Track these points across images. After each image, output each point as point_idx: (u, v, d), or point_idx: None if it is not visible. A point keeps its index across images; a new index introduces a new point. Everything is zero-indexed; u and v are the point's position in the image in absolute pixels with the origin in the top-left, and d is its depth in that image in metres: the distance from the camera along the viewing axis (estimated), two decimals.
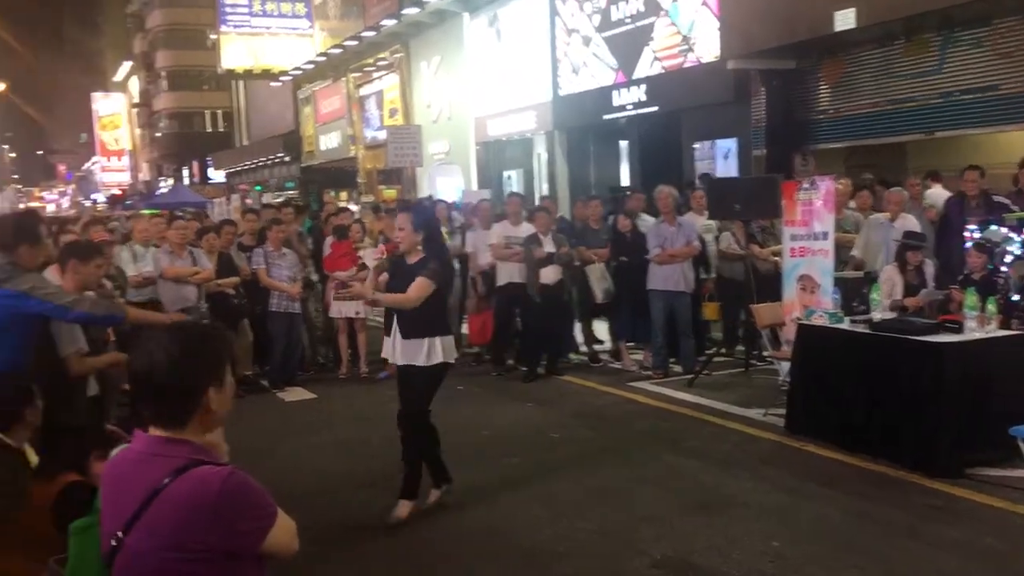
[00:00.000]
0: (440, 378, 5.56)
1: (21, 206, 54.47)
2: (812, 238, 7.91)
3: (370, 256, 9.80)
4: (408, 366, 5.45)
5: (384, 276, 5.65)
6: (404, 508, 5.43)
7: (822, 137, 13.61)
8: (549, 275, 9.17)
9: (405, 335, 5.42)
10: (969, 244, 7.71)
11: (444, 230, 10.56)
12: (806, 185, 8.08)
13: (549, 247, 9.16)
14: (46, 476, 3.45)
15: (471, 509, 5.63)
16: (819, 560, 4.62)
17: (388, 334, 5.71)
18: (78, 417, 4.71)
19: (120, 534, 2.04)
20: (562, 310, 9.51)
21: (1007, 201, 8.50)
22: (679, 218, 9.20)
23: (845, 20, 11.21)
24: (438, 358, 5.41)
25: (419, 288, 5.25)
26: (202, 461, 2.05)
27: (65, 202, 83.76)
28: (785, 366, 7.45)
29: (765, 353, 8.75)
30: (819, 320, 6.84)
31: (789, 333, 7.72)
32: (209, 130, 56.14)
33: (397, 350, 5.48)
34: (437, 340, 5.40)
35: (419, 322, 5.35)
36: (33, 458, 3.83)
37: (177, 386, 2.06)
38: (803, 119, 13.73)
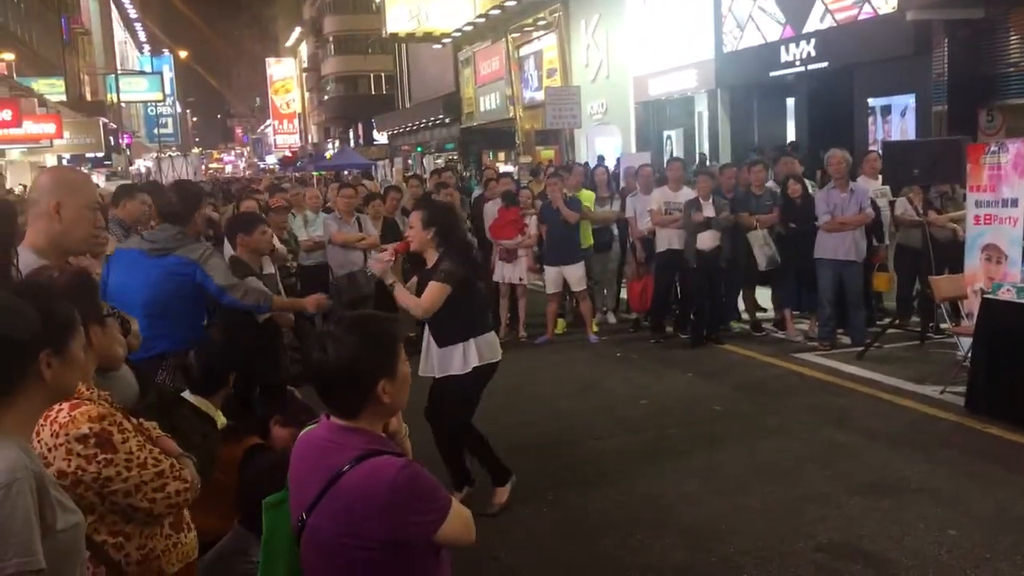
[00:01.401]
0: (481, 382, 5.19)
1: (203, 168, 57.98)
2: (1000, 205, 7.37)
3: (534, 224, 9.84)
4: (444, 377, 5.14)
5: (412, 281, 5.34)
6: (502, 494, 5.28)
7: (1012, 92, 12.62)
8: (706, 240, 8.97)
9: (439, 343, 5.12)
10: None
11: (602, 195, 10.54)
12: (993, 147, 7.51)
13: (709, 212, 8.95)
14: (233, 438, 3.69)
15: (632, 480, 5.62)
16: (1002, 552, 4.36)
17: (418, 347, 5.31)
18: (280, 373, 4.97)
19: (304, 515, 2.16)
20: (720, 276, 9.28)
21: None
22: (852, 183, 8.77)
23: None
24: (474, 362, 5.07)
25: (431, 294, 4.91)
26: (378, 451, 2.12)
27: (242, 163, 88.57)
28: (966, 341, 7.01)
29: (943, 326, 8.28)
30: (1007, 294, 6.39)
31: (971, 306, 7.26)
32: (373, 93, 57.81)
33: (433, 361, 5.17)
34: (472, 343, 5.07)
35: (452, 328, 5.05)
36: (221, 419, 4.10)
37: (348, 380, 2.14)
38: (990, 73, 12.77)
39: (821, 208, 8.60)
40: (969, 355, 6.73)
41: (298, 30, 72.94)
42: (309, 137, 74.77)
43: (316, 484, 2.12)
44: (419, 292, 5.06)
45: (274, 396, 4.00)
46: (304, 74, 73.89)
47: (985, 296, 6.67)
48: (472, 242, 7.09)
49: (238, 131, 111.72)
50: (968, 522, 4.72)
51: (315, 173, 35.07)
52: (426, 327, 5.22)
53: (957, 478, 5.34)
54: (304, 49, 73.07)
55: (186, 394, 4.01)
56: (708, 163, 16.01)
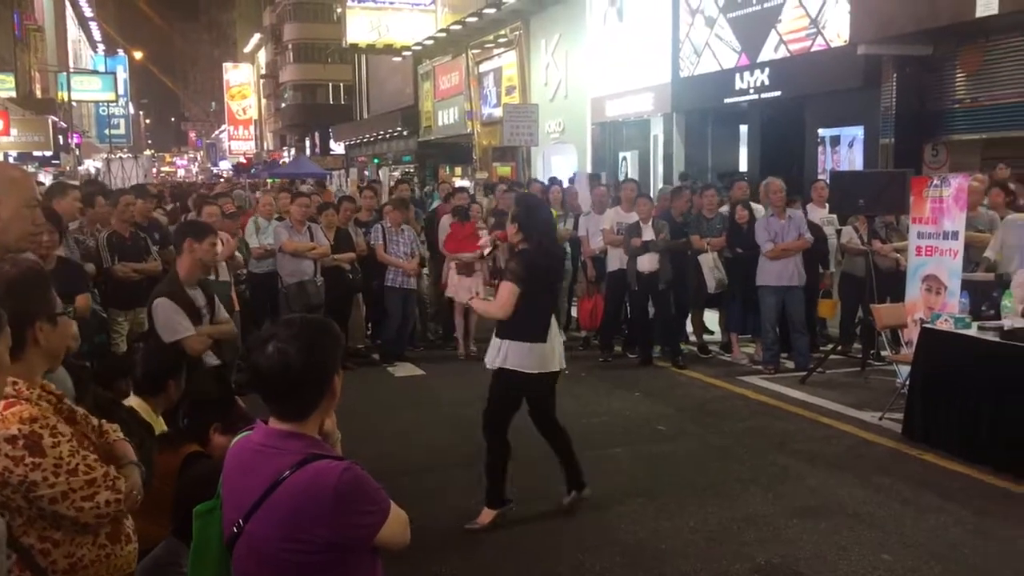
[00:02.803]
0: (506, 388, 5.20)
1: (154, 171, 57.00)
2: (941, 237, 7.57)
3: (486, 239, 9.88)
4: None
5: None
6: (487, 516, 5.25)
7: (956, 128, 12.96)
8: (645, 263, 9.07)
9: (496, 332, 5.25)
10: None
11: (556, 213, 10.60)
12: (936, 181, 7.72)
13: (648, 235, 9.05)
14: (171, 446, 3.63)
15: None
16: None
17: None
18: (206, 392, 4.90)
19: (241, 522, 2.14)
20: (660, 299, 9.31)
21: None
22: (788, 210, 8.93)
23: (988, 5, 10.62)
24: (499, 363, 5.12)
25: (501, 295, 5.04)
26: (319, 455, 2.12)
27: (195, 168, 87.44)
28: (904, 369, 7.17)
29: (883, 354, 8.45)
30: (945, 324, 6.55)
31: (910, 335, 7.43)
32: (331, 102, 57.54)
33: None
34: (507, 344, 5.08)
35: (504, 320, 5.10)
36: (161, 426, 4.03)
37: (312, 380, 2.15)
38: (936, 108, 13.10)
39: (762, 236, 8.75)
40: (907, 383, 6.88)
41: (257, 36, 72.40)
42: (264, 144, 74.12)
43: (254, 490, 2.11)
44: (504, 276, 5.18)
45: (210, 408, 3.93)
46: (262, 80, 73.32)
47: (924, 326, 6.82)
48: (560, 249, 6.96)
49: (192, 135, 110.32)
50: (901, 547, 4.81)
51: (269, 180, 34.73)
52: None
53: (892, 503, 5.44)
54: (263, 55, 72.53)
55: (131, 399, 3.95)
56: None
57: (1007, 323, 6.33)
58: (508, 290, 5.00)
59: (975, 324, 6.48)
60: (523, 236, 5.13)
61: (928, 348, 6.61)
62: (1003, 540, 4.87)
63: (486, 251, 5.78)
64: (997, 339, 6.08)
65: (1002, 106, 12.17)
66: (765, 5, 15.65)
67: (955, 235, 7.46)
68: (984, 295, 7.71)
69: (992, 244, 8.31)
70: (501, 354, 5.11)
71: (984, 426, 5.98)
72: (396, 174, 32.59)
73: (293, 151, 59.44)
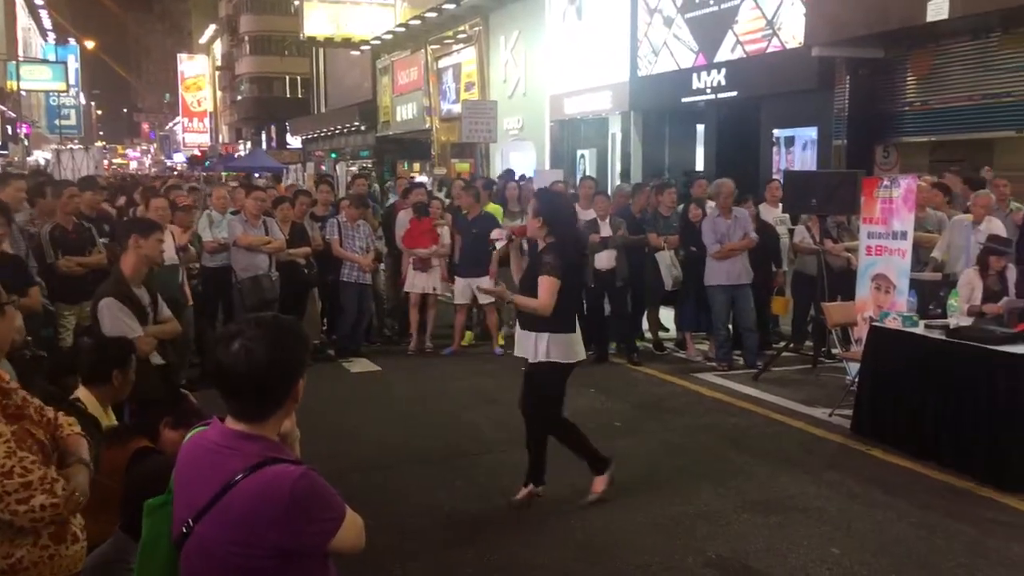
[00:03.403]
0: (554, 378, 5.27)
1: (106, 163, 56.06)
2: (890, 237, 7.71)
3: (446, 234, 9.89)
4: (527, 362, 5.33)
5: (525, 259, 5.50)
6: (600, 483, 5.42)
7: (907, 130, 13.21)
8: (603, 260, 9.11)
9: (521, 324, 5.34)
10: None
11: (515, 210, 10.63)
12: (886, 182, 7.86)
13: (605, 232, 9.09)
14: (119, 441, 3.56)
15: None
16: (879, 571, 4.54)
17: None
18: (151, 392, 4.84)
19: (191, 522, 2.09)
20: (616, 296, 9.37)
21: None
22: (735, 210, 9.02)
23: (938, 10, 10.83)
24: (542, 356, 5.17)
25: (545, 290, 5.04)
26: (276, 459, 2.08)
27: (147, 160, 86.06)
28: (854, 367, 7.29)
29: (834, 351, 8.59)
30: (893, 323, 6.67)
31: (860, 333, 7.55)
32: (288, 96, 56.96)
33: (517, 341, 5.40)
34: (545, 337, 5.14)
35: (532, 315, 5.15)
36: (110, 420, 3.96)
37: (277, 381, 2.09)
38: (888, 110, 13.34)
39: (709, 237, 8.84)
40: (856, 380, 7.00)
41: (212, 27, 71.41)
42: (220, 137, 73.18)
43: (207, 491, 2.06)
44: (526, 278, 5.23)
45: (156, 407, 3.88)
46: (217, 72, 72.35)
47: (873, 324, 6.95)
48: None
49: (145, 127, 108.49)
50: (849, 541, 4.89)
51: (224, 173, 34.33)
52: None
53: (841, 498, 5.53)
54: (218, 47, 71.58)
55: (79, 391, 3.88)
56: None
57: (953, 322, 6.48)
58: (550, 284, 5.04)
59: (922, 323, 6.62)
60: (549, 230, 5.17)
61: (877, 346, 6.73)
62: (947, 533, 4.97)
63: (499, 245, 5.74)
64: (943, 337, 6.21)
65: (951, 109, 12.42)
66: (722, 6, 15.80)
67: (904, 235, 7.60)
68: (931, 294, 7.89)
69: (939, 244, 8.51)
70: (543, 348, 5.17)
71: (930, 422, 6.11)
72: (354, 169, 32.44)
73: (249, 144, 58.73)
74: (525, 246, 5.64)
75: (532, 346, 5.21)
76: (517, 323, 5.38)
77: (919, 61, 12.83)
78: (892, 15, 11.70)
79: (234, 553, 2.03)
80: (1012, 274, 7.50)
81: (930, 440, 6.10)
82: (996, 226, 8.13)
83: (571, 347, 5.25)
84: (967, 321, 6.67)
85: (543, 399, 5.35)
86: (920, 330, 6.47)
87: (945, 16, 10.77)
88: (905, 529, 5.05)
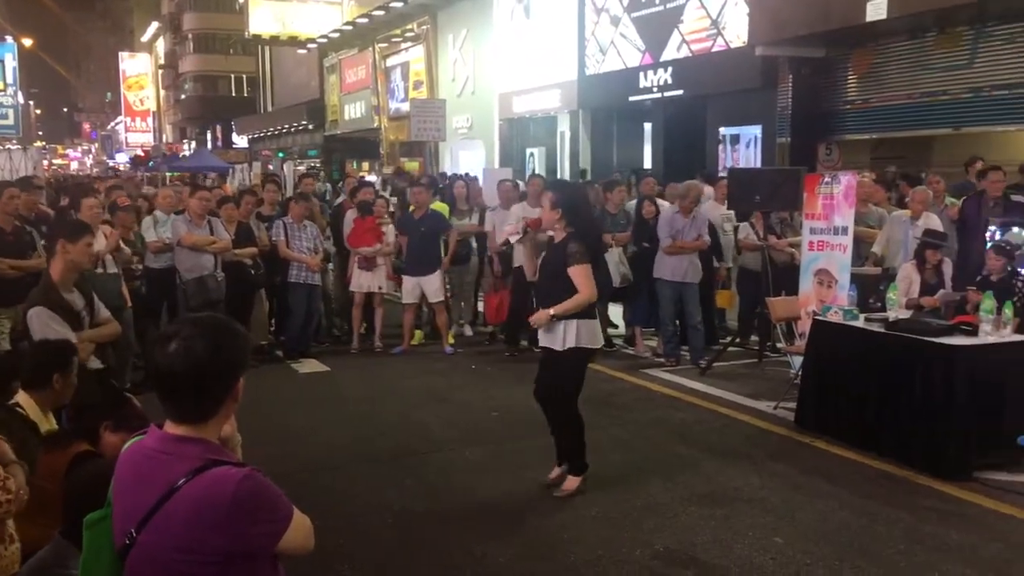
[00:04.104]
0: (579, 365, 5.43)
1: (45, 163, 54.75)
2: (832, 232, 7.87)
3: (391, 233, 9.88)
4: (547, 349, 5.40)
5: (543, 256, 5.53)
6: (570, 482, 5.54)
7: (848, 128, 13.49)
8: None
9: None
10: (989, 246, 7.64)
11: (463, 208, 10.64)
12: (827, 179, 8.02)
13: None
14: (58, 445, 3.50)
15: (478, 491, 5.67)
16: (821, 558, 4.63)
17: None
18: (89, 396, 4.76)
19: (133, 532, 2.05)
20: None
21: None
22: (694, 211, 9.14)
23: (876, 10, 11.07)
24: (572, 343, 5.26)
25: (584, 278, 5.18)
26: (218, 461, 2.05)
27: (89, 161, 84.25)
28: (798, 360, 7.43)
29: (779, 345, 8.74)
30: (834, 316, 6.81)
31: (804, 327, 7.70)
32: (233, 94, 56.23)
33: (540, 332, 5.44)
34: (574, 324, 5.25)
35: (559, 301, 5.23)
36: (50, 424, 3.90)
37: (216, 381, 2.06)
38: (830, 109, 13.61)
39: (664, 231, 8.94)
40: (800, 373, 7.14)
41: (155, 25, 70.17)
42: (163, 136, 71.92)
43: (148, 499, 2.02)
44: (545, 273, 5.38)
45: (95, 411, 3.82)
46: (160, 71, 71.09)
47: (815, 318, 7.09)
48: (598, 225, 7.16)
49: (86, 126, 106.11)
50: (793, 531, 4.99)
51: (168, 174, 33.77)
52: (533, 298, 5.44)
53: (785, 489, 5.64)
54: (161, 45, 70.35)
55: (19, 395, 3.81)
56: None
57: (892, 315, 6.64)
58: (585, 270, 5.20)
59: (862, 316, 6.76)
60: (568, 220, 5.31)
61: (819, 339, 6.86)
62: (887, 521, 5.10)
63: (514, 239, 5.76)
64: (882, 330, 6.36)
65: (890, 107, 12.71)
66: (668, 5, 15.97)
67: (844, 231, 7.77)
68: (871, 288, 8.07)
69: (879, 239, 8.71)
70: (572, 334, 5.26)
71: (870, 413, 6.25)
72: (301, 168, 32.11)
73: (194, 144, 57.84)
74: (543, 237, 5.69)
75: (560, 335, 5.30)
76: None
77: (859, 60, 13.11)
78: (832, 15, 11.94)
79: (179, 559, 2.00)
80: (948, 268, 7.73)
81: (870, 431, 6.24)
82: (933, 221, 8.36)
83: (596, 332, 5.46)
84: (905, 314, 6.84)
85: (570, 386, 5.47)
86: (860, 323, 6.62)
87: (883, 16, 11.02)
88: (847, 517, 5.17)
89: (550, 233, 5.56)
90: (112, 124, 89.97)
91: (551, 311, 5.23)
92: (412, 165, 26.13)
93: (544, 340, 5.44)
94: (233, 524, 1.98)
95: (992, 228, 7.97)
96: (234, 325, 2.16)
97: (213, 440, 2.12)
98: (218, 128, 55.74)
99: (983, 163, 9.60)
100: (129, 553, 2.07)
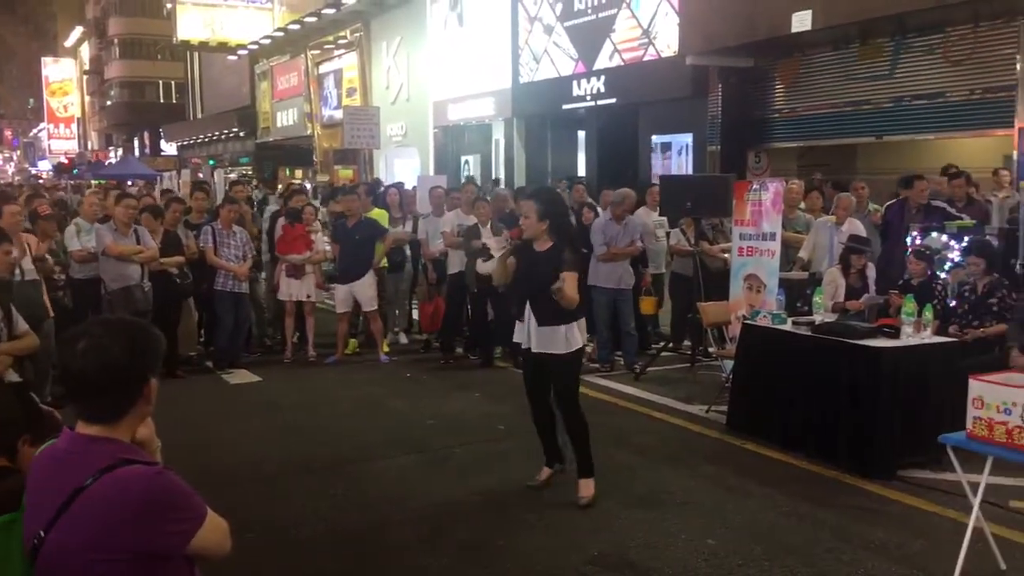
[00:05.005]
0: (580, 363, 5.62)
1: None
2: (760, 238, 8.02)
3: (320, 240, 9.79)
4: (544, 354, 5.40)
5: (511, 261, 5.50)
6: (586, 487, 5.51)
7: (776, 136, 13.79)
8: (485, 266, 9.16)
9: (541, 322, 5.36)
10: (909, 251, 7.87)
11: (396, 216, 10.58)
12: (756, 186, 8.18)
13: (487, 237, 9.14)
14: None
15: (413, 499, 5.62)
16: (753, 559, 4.70)
17: (520, 319, 5.50)
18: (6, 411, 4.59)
19: (42, 532, 2.01)
20: (499, 300, 9.40)
21: (944, 204, 8.70)
22: (626, 218, 9.23)
23: (802, 21, 11.35)
24: (576, 344, 5.41)
25: (574, 284, 5.24)
26: (130, 460, 2.02)
27: (10, 168, 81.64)
28: (729, 364, 7.54)
29: (710, 350, 8.86)
30: (763, 321, 6.93)
31: (734, 331, 7.82)
32: (161, 101, 55.14)
33: (532, 338, 5.43)
34: (574, 326, 5.39)
35: (557, 309, 5.26)
36: None
37: (125, 379, 2.04)
38: (758, 117, 13.89)
39: (597, 238, 9.01)
40: (731, 376, 7.25)
41: (79, 30, 68.39)
42: (89, 143, 70.10)
43: (58, 497, 1.99)
44: (524, 268, 5.40)
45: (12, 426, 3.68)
46: (85, 76, 69.35)
47: (745, 322, 7.21)
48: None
49: (8, 133, 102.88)
50: (725, 532, 5.06)
51: (94, 182, 32.90)
52: (527, 304, 5.41)
53: (717, 491, 5.71)
54: (86, 50, 68.63)
55: None
56: (503, 187, 16.14)
57: (818, 318, 6.78)
58: (574, 278, 5.27)
59: (790, 320, 6.90)
60: (552, 229, 5.37)
61: (748, 343, 6.98)
62: (815, 521, 5.20)
63: (497, 254, 5.67)
64: (809, 333, 6.49)
65: (816, 116, 13.04)
66: (600, 15, 16.14)
67: (773, 236, 7.93)
68: (799, 292, 8.26)
69: (805, 245, 8.91)
70: (572, 337, 5.38)
71: (798, 415, 6.37)
72: (232, 176, 31.61)
73: (120, 151, 56.52)
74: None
75: (563, 338, 5.36)
76: (534, 320, 5.38)
77: (786, 70, 13.42)
78: (760, 26, 12.20)
79: (88, 559, 1.97)
80: (872, 272, 7.93)
81: (798, 432, 6.36)
82: (856, 227, 8.58)
83: (584, 330, 5.61)
84: (831, 317, 7.00)
85: (577, 386, 5.61)
86: (788, 327, 6.74)
87: (808, 27, 11.30)
88: (777, 518, 5.26)
89: (492, 240, 5.60)
90: (35, 131, 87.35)
91: (559, 284, 5.16)
92: (346, 173, 25.92)
93: (539, 347, 5.42)
94: (141, 523, 1.96)
95: (913, 234, 8.21)
96: (145, 327, 2.15)
97: (126, 440, 2.10)
98: (146, 135, 54.58)
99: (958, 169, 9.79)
100: (39, 554, 2.03)
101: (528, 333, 5.46)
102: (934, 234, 7.95)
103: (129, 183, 28.18)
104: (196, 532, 2.04)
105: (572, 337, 5.39)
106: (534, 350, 5.46)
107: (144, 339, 2.09)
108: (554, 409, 5.71)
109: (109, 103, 60.64)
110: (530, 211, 5.41)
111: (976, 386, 4.16)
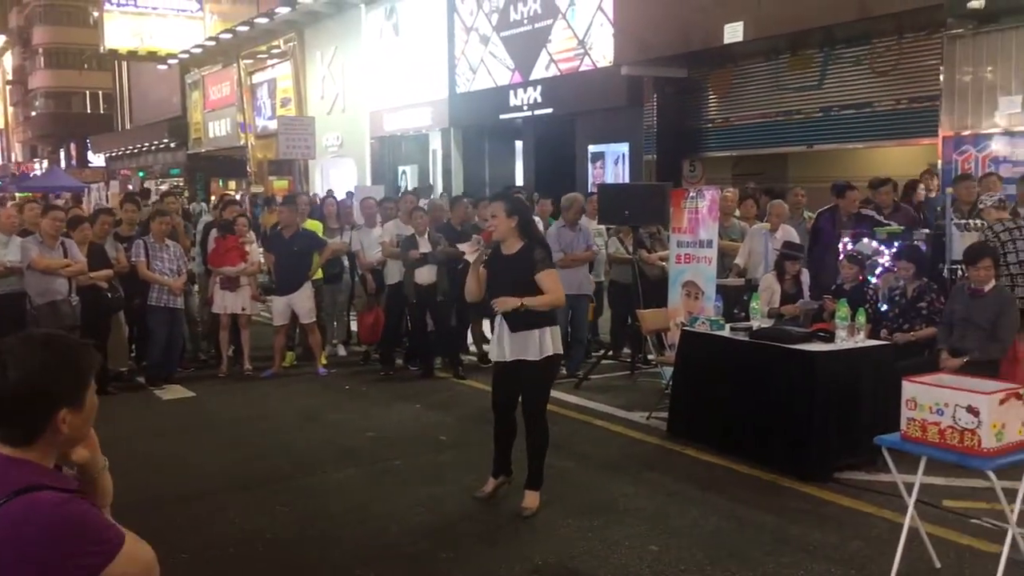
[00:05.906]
0: (555, 370, 5.54)
1: None
2: (697, 245, 8.11)
3: (255, 251, 9.63)
4: (518, 362, 5.32)
5: (482, 272, 5.41)
6: (532, 499, 5.48)
7: (711, 145, 14.01)
8: (424, 275, 9.11)
9: (514, 328, 5.27)
10: (842, 256, 8.03)
11: (334, 227, 10.46)
12: (692, 194, 8.27)
13: (424, 247, 9.10)
14: None
15: (354, 513, 5.53)
16: (695, 564, 4.72)
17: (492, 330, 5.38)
18: None
19: None
20: (438, 310, 9.35)
21: (873, 213, 8.90)
22: (579, 223, 9.27)
23: (734, 33, 11.56)
24: (549, 350, 5.32)
25: (553, 283, 5.23)
26: (44, 485, 1.89)
27: None
28: (668, 370, 7.60)
29: (650, 357, 8.93)
30: (701, 327, 7.00)
31: (673, 338, 7.89)
32: (89, 111, 53.83)
33: (505, 346, 5.35)
34: (547, 331, 5.30)
35: (530, 313, 5.20)
36: None
37: (24, 403, 1.90)
38: (693, 127, 14.09)
39: (554, 246, 9.01)
40: (670, 383, 7.30)
41: (2, 38, 66.45)
42: (12, 155, 68.06)
43: None
44: (494, 273, 5.32)
45: None
46: (8, 86, 67.37)
47: (684, 329, 7.27)
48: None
49: None
50: (667, 538, 5.07)
51: (18, 195, 31.94)
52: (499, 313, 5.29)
53: (658, 497, 5.74)
54: (8, 59, 66.68)
55: None
56: (440, 196, 16.17)
57: (755, 324, 6.87)
58: (555, 275, 5.27)
59: (728, 326, 6.97)
60: (522, 229, 5.32)
61: (688, 349, 7.04)
62: (755, 525, 5.25)
63: (471, 258, 5.49)
64: (746, 339, 6.57)
65: (749, 126, 13.27)
66: (536, 25, 16.23)
67: (709, 243, 8.03)
68: (736, 299, 8.36)
69: (741, 252, 9.03)
70: (547, 343, 5.31)
71: (736, 420, 6.44)
72: (163, 187, 30.99)
73: (46, 163, 54.97)
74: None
75: (536, 344, 5.28)
76: (507, 327, 5.29)
77: (719, 81, 13.65)
78: (693, 37, 12.39)
79: None
80: (806, 277, 8.08)
81: (737, 436, 6.43)
82: (790, 233, 8.73)
83: (558, 337, 5.49)
84: (768, 323, 7.10)
85: (547, 395, 5.55)
86: (726, 333, 6.82)
87: (740, 39, 11.51)
88: (718, 522, 5.29)
89: (466, 245, 5.52)
90: None
91: (521, 301, 5.15)
92: (281, 184, 25.60)
93: (513, 353, 5.35)
94: (46, 552, 1.82)
95: (844, 240, 8.39)
96: (67, 347, 1.99)
97: (45, 463, 1.97)
98: (72, 146, 53.21)
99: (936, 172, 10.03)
100: None
101: (501, 343, 5.40)
102: (865, 240, 8.12)
103: (55, 196, 27.44)
104: (106, 566, 1.89)
105: (547, 343, 5.33)
106: (508, 358, 5.39)
107: (63, 363, 1.94)
108: (518, 421, 5.63)
109: (34, 114, 59.02)
110: (498, 211, 5.36)
111: (909, 388, 4.24)
